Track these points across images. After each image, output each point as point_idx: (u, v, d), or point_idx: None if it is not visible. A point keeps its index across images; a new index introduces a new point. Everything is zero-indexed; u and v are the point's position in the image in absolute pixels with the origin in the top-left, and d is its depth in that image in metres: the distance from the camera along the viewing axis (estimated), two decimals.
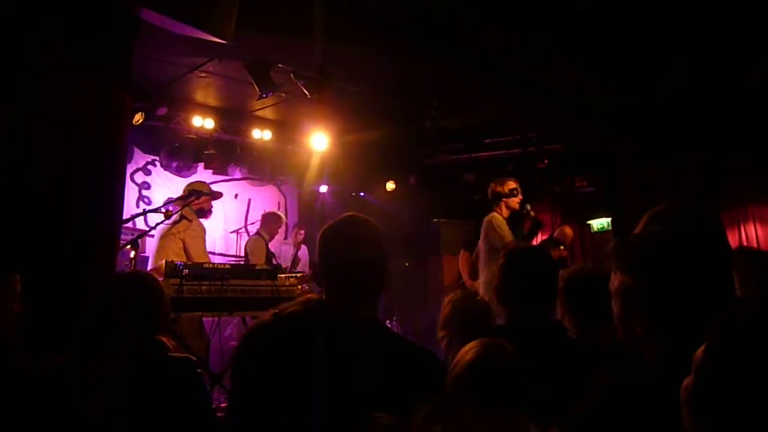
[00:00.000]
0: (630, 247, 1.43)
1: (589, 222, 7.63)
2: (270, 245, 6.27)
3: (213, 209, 4.86)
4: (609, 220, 7.46)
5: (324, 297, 1.58)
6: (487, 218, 4.72)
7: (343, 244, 1.59)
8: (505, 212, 4.75)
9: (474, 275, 6.11)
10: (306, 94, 5.43)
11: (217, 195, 4.85)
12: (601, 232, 7.63)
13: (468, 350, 1.45)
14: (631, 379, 1.25)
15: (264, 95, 5.26)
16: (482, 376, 1.39)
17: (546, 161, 7.11)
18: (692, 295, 1.28)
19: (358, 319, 1.53)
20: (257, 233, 6.26)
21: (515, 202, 4.77)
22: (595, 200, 7.19)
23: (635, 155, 6.30)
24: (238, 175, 7.54)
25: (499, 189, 4.81)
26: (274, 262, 5.94)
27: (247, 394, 1.49)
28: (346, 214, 1.67)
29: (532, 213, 4.82)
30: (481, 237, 4.76)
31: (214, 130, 6.67)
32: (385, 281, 1.63)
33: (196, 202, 4.54)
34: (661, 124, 5.84)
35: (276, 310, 1.54)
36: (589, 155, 7.07)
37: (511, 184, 4.80)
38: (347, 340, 1.47)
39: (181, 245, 4.48)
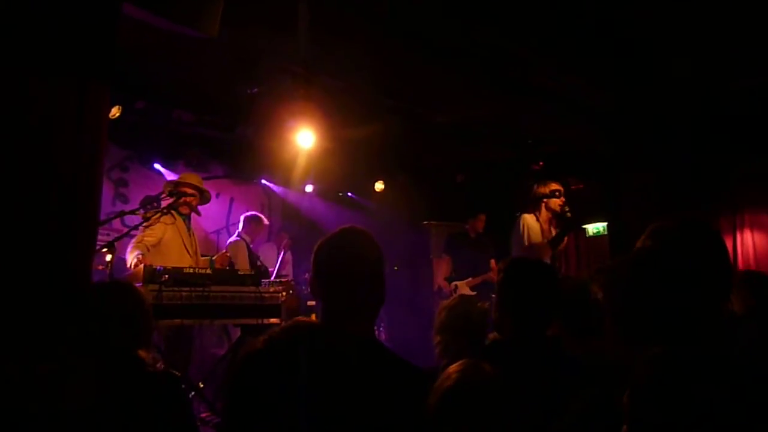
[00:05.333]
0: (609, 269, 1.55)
1: (584, 226, 7.69)
2: (253, 247, 6.30)
3: (198, 206, 4.80)
4: (605, 224, 7.53)
5: (316, 316, 1.60)
6: (518, 218, 4.87)
7: (342, 259, 1.62)
8: (545, 214, 4.88)
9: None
10: (292, 90, 5.45)
11: (207, 195, 4.81)
12: (597, 237, 7.70)
13: (446, 377, 1.52)
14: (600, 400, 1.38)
15: (250, 90, 5.26)
16: (459, 405, 1.45)
17: (541, 163, 7.16)
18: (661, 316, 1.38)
19: (351, 341, 1.55)
20: (238, 236, 6.28)
21: (556, 203, 4.87)
22: (591, 203, 7.24)
23: (631, 158, 6.38)
24: (219, 172, 7.51)
25: (540, 190, 4.93)
26: (259, 264, 5.95)
27: (244, 427, 1.49)
28: (344, 226, 1.70)
29: (569, 214, 4.89)
30: (512, 238, 4.92)
31: (196, 125, 6.63)
32: (383, 296, 1.68)
33: (183, 199, 4.53)
34: (658, 127, 5.91)
35: (266, 336, 1.55)
36: (585, 157, 7.13)
37: (554, 186, 4.93)
38: (341, 367, 1.49)
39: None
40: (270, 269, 6.37)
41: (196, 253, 4.71)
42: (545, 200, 4.92)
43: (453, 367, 1.56)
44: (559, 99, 5.63)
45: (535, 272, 2.16)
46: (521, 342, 2.04)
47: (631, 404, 1.04)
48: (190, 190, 4.64)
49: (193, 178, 4.79)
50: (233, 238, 6.36)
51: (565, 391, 1.61)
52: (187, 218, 4.70)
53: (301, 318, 1.69)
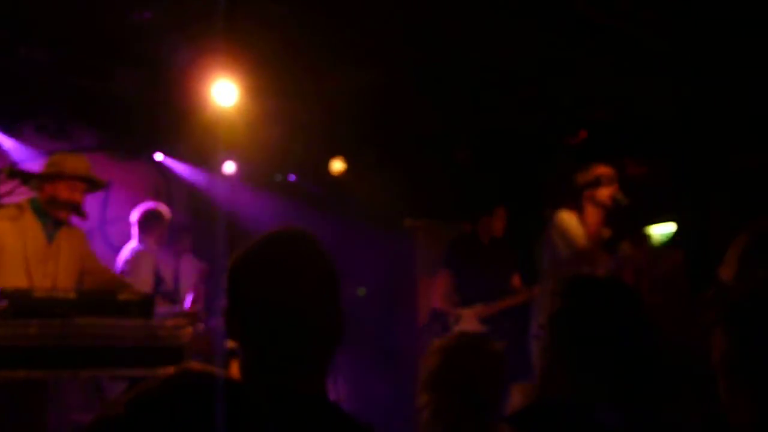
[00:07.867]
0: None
1: (646, 228, 7.78)
2: None
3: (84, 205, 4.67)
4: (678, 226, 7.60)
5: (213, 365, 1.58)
6: (551, 219, 5.06)
7: (273, 280, 1.61)
8: (592, 213, 5.06)
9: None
10: (206, 18, 5.37)
11: (101, 184, 4.79)
12: (666, 245, 7.78)
13: None
14: None
15: (138, 14, 5.19)
16: None
17: (582, 134, 7.21)
18: None
19: (289, 403, 1.53)
20: (141, 242, 6.41)
21: (605, 194, 5.02)
22: (658, 195, 7.33)
23: (724, 131, 6.43)
24: (89, 142, 7.47)
25: (581, 179, 5.09)
26: (165, 288, 6.08)
27: None
28: (275, 230, 1.71)
29: (625, 202, 5.02)
30: (542, 248, 5.09)
31: (55, 68, 6.56)
32: (339, 335, 1.68)
33: (49, 186, 4.45)
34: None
35: (131, 396, 1.49)
36: (649, 127, 7.18)
37: (599, 170, 5.08)
38: None
39: None
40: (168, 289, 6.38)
41: (63, 273, 4.58)
42: (589, 192, 5.04)
43: None
44: (613, 37, 5.66)
45: (613, 298, 2.17)
46: (586, 410, 2.03)
47: None
48: (79, 185, 4.56)
49: (79, 162, 4.66)
50: (136, 246, 6.44)
51: None
52: (51, 221, 4.56)
53: (193, 365, 1.61)
